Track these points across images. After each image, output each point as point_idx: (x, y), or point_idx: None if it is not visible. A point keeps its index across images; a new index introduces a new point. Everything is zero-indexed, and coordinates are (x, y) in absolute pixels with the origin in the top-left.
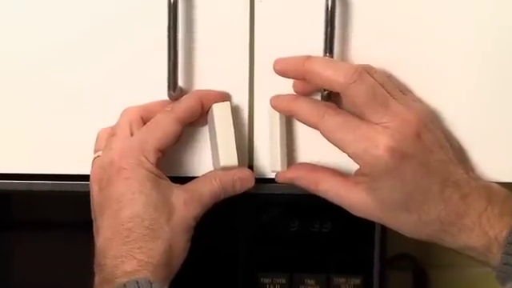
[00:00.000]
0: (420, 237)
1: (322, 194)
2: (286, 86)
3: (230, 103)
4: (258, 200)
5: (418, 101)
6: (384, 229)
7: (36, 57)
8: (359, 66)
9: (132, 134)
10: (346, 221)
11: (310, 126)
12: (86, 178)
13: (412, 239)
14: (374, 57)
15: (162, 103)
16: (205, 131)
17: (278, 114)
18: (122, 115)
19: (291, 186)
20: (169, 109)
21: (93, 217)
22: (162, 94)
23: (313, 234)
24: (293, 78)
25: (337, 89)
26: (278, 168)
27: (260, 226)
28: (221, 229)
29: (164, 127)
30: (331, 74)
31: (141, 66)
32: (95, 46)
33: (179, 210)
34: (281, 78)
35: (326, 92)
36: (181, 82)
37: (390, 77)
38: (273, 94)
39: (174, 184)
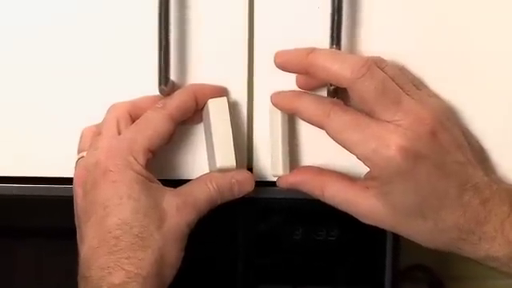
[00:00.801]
0: (436, 246)
1: (328, 200)
2: (289, 81)
3: (228, 99)
4: (258, 205)
5: (434, 96)
6: (396, 237)
7: (18, 52)
8: (368, 58)
9: (119, 133)
10: (354, 228)
11: (314, 125)
12: (69, 181)
13: (427, 249)
14: (385, 48)
15: (153, 99)
16: (200, 129)
17: (279, 112)
18: (108, 112)
19: (294, 191)
20: (160, 105)
21: (76, 224)
22: (153, 89)
23: (318, 243)
24: (295, 73)
25: (344, 84)
26: (280, 172)
27: (260, 234)
28: (217, 237)
29: (155, 125)
30: (337, 68)
31: (129, 58)
32: (79, 37)
33: (171, 216)
34: (282, 72)
35: (332, 87)
36: (173, 76)
37: (402, 70)
38: (274, 90)
39: (165, 188)
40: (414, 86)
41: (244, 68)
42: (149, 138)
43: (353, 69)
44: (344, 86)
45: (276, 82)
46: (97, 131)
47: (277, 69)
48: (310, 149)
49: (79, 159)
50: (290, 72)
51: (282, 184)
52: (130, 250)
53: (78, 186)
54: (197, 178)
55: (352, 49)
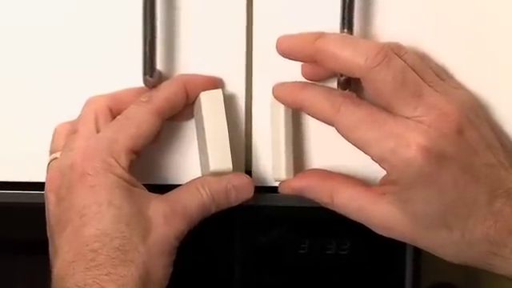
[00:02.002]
0: (463, 261)
1: (338, 208)
2: (292, 71)
3: (223, 91)
4: (258, 214)
5: (460, 88)
6: (417, 251)
7: None
8: (385, 44)
9: (98, 131)
10: (368, 241)
11: (323, 121)
12: (41, 186)
13: (453, 264)
14: (403, 34)
15: (136, 91)
16: (191, 126)
17: (282, 107)
18: (85, 107)
19: (299, 197)
20: (145, 99)
21: (49, 235)
22: (137, 80)
23: (327, 258)
24: (301, 61)
25: (356, 74)
26: (283, 176)
27: (260, 248)
28: (210, 250)
29: (139, 122)
30: (349, 56)
31: (110, 44)
32: (50, 23)
33: (158, 226)
34: (286, 60)
35: (342, 78)
36: (160, 66)
37: (423, 58)
38: (276, 81)
39: (151, 194)
40: (437, 76)
41: (241, 56)
42: (132, 136)
43: (367, 56)
44: (357, 77)
45: (278, 72)
46: (72, 129)
47: (279, 57)
48: (317, 149)
49: (52, 161)
50: (294, 60)
51: (284, 190)
52: (110, 265)
53: (50, 191)
54: (187, 183)
55: (365, 34)
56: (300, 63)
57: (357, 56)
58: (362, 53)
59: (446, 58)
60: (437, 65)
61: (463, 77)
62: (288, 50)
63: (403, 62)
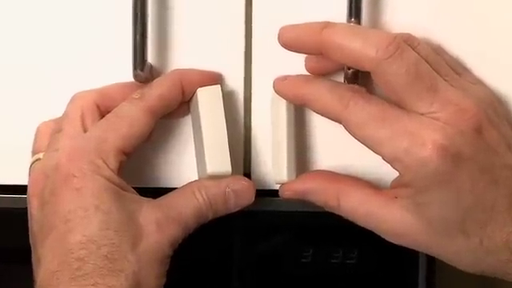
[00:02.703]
0: (481, 270)
1: (345, 213)
2: (296, 65)
3: (222, 87)
4: (258, 220)
5: (478, 83)
6: (431, 260)
7: None
8: (397, 35)
9: (85, 130)
10: (378, 250)
11: (329, 117)
12: (23, 189)
13: (469, 274)
14: (414, 23)
15: (126, 86)
16: (187, 124)
17: (284, 103)
18: (70, 103)
19: (302, 202)
20: (137, 95)
21: (31, 242)
22: (126, 75)
23: (333, 268)
24: (305, 53)
25: (366, 66)
26: (284, 177)
27: (260, 257)
28: (207, 260)
29: (130, 121)
30: (359, 47)
31: (97, 35)
32: (34, 12)
33: (150, 233)
34: (288, 53)
35: (350, 71)
36: (151, 59)
37: (437, 50)
38: (277, 76)
39: (142, 198)
40: (453, 70)
41: (240, 50)
42: (122, 136)
43: (378, 47)
44: (366, 70)
45: (279, 66)
46: (56, 128)
47: (280, 50)
48: (322, 149)
49: (34, 162)
50: (298, 52)
51: (285, 193)
52: (97, 274)
53: (33, 195)
54: (182, 187)
55: (374, 24)
56: (303, 56)
57: (367, 47)
58: (372, 44)
59: (460, 50)
60: (451, 58)
61: (479, 70)
62: (291, 41)
63: (417, 54)
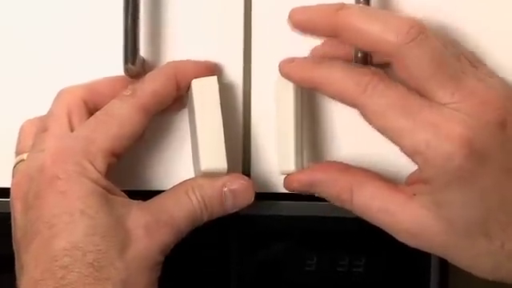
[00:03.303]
0: (499, 276)
1: (357, 208)
2: (300, 53)
3: (219, 79)
4: (258, 224)
5: (495, 77)
6: (444, 266)
7: None
8: (417, 20)
9: (72, 129)
10: (387, 257)
11: (344, 102)
12: (6, 192)
13: (485, 282)
14: (426, 8)
15: (116, 81)
16: (183, 121)
17: (291, 87)
18: (56, 100)
19: (306, 206)
20: (128, 92)
21: (15, 248)
22: (117, 69)
23: (338, 276)
24: (319, 35)
25: (386, 51)
26: (291, 167)
27: (260, 264)
28: (202, 267)
29: (121, 120)
30: (378, 30)
31: (85, 26)
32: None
33: (139, 238)
34: (290, 41)
35: (360, 54)
36: (144, 51)
37: (453, 43)
38: (277, 65)
39: (131, 201)
40: (470, 63)
41: (239, 35)
42: (112, 136)
43: (399, 31)
44: (385, 55)
45: (281, 55)
46: (41, 126)
47: (282, 37)
48: (334, 138)
49: (18, 164)
50: (310, 35)
51: (291, 184)
52: (82, 284)
53: (16, 198)
54: (174, 187)
55: (383, 7)
56: (308, 44)
57: (387, 31)
58: (392, 27)
59: (477, 44)
60: (467, 50)
61: (498, 66)
62: (302, 22)
63: (439, 42)
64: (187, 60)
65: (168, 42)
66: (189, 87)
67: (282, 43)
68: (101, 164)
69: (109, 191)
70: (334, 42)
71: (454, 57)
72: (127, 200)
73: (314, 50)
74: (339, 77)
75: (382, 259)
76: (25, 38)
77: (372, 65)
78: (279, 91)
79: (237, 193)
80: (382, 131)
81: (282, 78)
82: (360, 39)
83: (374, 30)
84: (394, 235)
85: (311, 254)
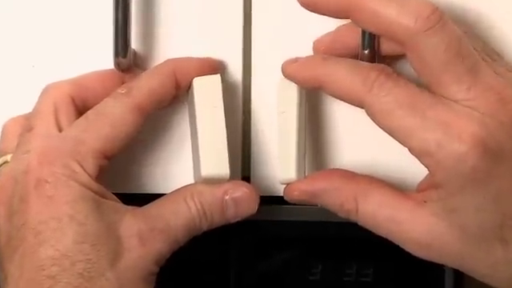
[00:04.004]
0: None
1: (363, 218)
2: (303, 49)
3: (222, 77)
4: (259, 231)
5: None
6: (458, 275)
7: None
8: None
9: (59, 128)
10: (397, 265)
11: (349, 102)
12: None
13: None
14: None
15: (106, 76)
16: (183, 120)
17: (295, 87)
18: (42, 96)
19: (310, 209)
20: (123, 90)
21: None
22: (107, 62)
23: (345, 286)
24: (328, 15)
25: (400, 37)
26: (293, 176)
27: (262, 274)
28: (200, 278)
29: (113, 120)
30: (395, 13)
31: (72, 16)
32: None
33: (132, 248)
34: (293, 36)
35: (366, 51)
36: (136, 44)
37: (468, 33)
38: (279, 63)
39: (125, 207)
40: (487, 55)
41: (238, 31)
42: (104, 137)
43: (417, 16)
44: (399, 42)
45: (283, 51)
46: (26, 125)
47: (284, 32)
48: (338, 143)
49: (1, 165)
50: (321, 14)
51: (292, 194)
52: None
53: (0, 203)
54: (172, 193)
55: None
56: (310, 38)
57: (404, 15)
58: (410, 11)
59: (494, 36)
60: (484, 42)
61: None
62: (312, 1)
63: (459, 30)
64: (188, 57)
65: (162, 35)
66: (189, 86)
67: (284, 39)
68: (91, 166)
69: (100, 195)
70: (339, 33)
71: (473, 47)
72: (120, 205)
73: (317, 43)
74: (344, 74)
75: (391, 268)
76: (8, 29)
77: (379, 60)
78: (282, 93)
79: (239, 201)
80: (390, 132)
81: (285, 80)
82: (373, 22)
83: (390, 12)
84: (404, 246)
85: (316, 262)
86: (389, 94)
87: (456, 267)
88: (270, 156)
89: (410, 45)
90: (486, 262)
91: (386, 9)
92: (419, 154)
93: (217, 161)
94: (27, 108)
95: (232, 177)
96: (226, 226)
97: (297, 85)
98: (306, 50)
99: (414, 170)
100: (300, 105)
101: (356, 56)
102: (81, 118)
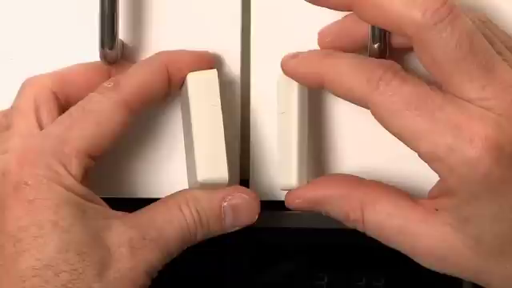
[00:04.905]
0: None
1: (370, 229)
2: (305, 44)
3: (219, 73)
4: (259, 239)
5: None
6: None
7: None
8: None
9: (41, 126)
10: (410, 276)
11: (353, 102)
12: None
13: None
14: None
15: (91, 69)
16: (176, 118)
17: (295, 86)
18: (21, 92)
19: (314, 215)
20: (110, 84)
21: None
22: (92, 54)
23: None
24: (331, 8)
25: (407, 32)
26: (293, 182)
27: (263, 285)
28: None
29: (99, 117)
30: (402, 6)
31: (55, 4)
32: None
33: (121, 257)
34: (295, 29)
35: (376, 45)
36: (124, 35)
37: (486, 23)
38: (279, 58)
39: (113, 213)
40: (507, 48)
41: (236, 24)
42: (89, 136)
43: (426, 9)
44: (406, 36)
45: (283, 45)
46: (4, 123)
47: (285, 25)
48: (343, 146)
49: None
50: (322, 6)
51: (294, 202)
52: None
53: None
54: (165, 199)
55: None
56: (313, 32)
57: (412, 7)
58: (418, 3)
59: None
60: (504, 33)
61: None
62: None
63: (472, 23)
64: (182, 50)
65: (153, 25)
66: (183, 82)
67: (286, 31)
68: (76, 167)
69: (86, 199)
70: (346, 23)
71: (488, 41)
72: (108, 210)
73: (322, 34)
74: (347, 71)
75: (404, 279)
76: None
77: (391, 53)
78: (281, 92)
79: (238, 209)
80: (397, 134)
81: (285, 77)
82: (379, 15)
83: (397, 4)
84: (416, 259)
85: (320, 273)
86: (396, 93)
87: (471, 280)
88: (271, 158)
89: (418, 40)
90: (504, 275)
91: (393, 0)
92: (429, 158)
93: (214, 164)
94: (5, 104)
95: (230, 181)
96: (222, 234)
97: (297, 83)
98: (311, 44)
99: (424, 175)
100: (301, 104)
101: (365, 49)
102: (64, 115)
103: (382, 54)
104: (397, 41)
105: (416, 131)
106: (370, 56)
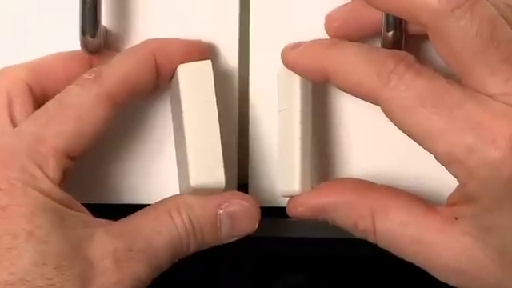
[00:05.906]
0: None
1: (381, 239)
2: (308, 33)
3: (213, 64)
4: (261, 250)
5: None
6: None
7: None
8: None
9: (14, 123)
10: None
11: (362, 97)
12: None
13: None
14: None
15: (70, 59)
16: (166, 115)
17: (297, 80)
18: None
19: (320, 224)
20: (91, 75)
21: None
22: (72, 42)
23: None
24: None
25: (422, 19)
26: (296, 188)
27: None
28: None
29: (79, 111)
30: None
31: None
32: None
33: (105, 271)
34: (296, 17)
35: (390, 33)
36: (107, 21)
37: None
38: (280, 49)
39: (96, 220)
40: None
41: (233, 9)
42: (68, 134)
43: None
44: (421, 25)
45: (284, 35)
46: None
47: (286, 13)
48: (351, 147)
49: None
50: None
51: (296, 210)
52: None
53: None
54: (155, 205)
55: None
56: (319, 20)
57: None
58: None
59: None
60: None
61: None
62: None
63: (494, 9)
64: (171, 38)
65: (139, 11)
66: (173, 74)
67: (289, 17)
68: (53, 169)
69: (65, 206)
70: (356, 6)
71: None
72: (90, 218)
73: (330, 18)
74: (355, 63)
75: None
76: None
77: (407, 42)
78: (282, 86)
79: (236, 217)
80: (410, 134)
81: (286, 69)
82: (392, 2)
83: None
84: (432, 272)
85: (325, 286)
86: (409, 87)
87: None
88: (272, 159)
89: (434, 28)
90: None
91: None
92: (446, 160)
93: (209, 167)
94: None
95: (227, 186)
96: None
97: (299, 76)
98: (316, 32)
99: (441, 179)
100: (304, 100)
101: (377, 36)
102: (39, 110)
103: (396, 43)
104: (414, 28)
105: (432, 130)
106: (383, 45)
